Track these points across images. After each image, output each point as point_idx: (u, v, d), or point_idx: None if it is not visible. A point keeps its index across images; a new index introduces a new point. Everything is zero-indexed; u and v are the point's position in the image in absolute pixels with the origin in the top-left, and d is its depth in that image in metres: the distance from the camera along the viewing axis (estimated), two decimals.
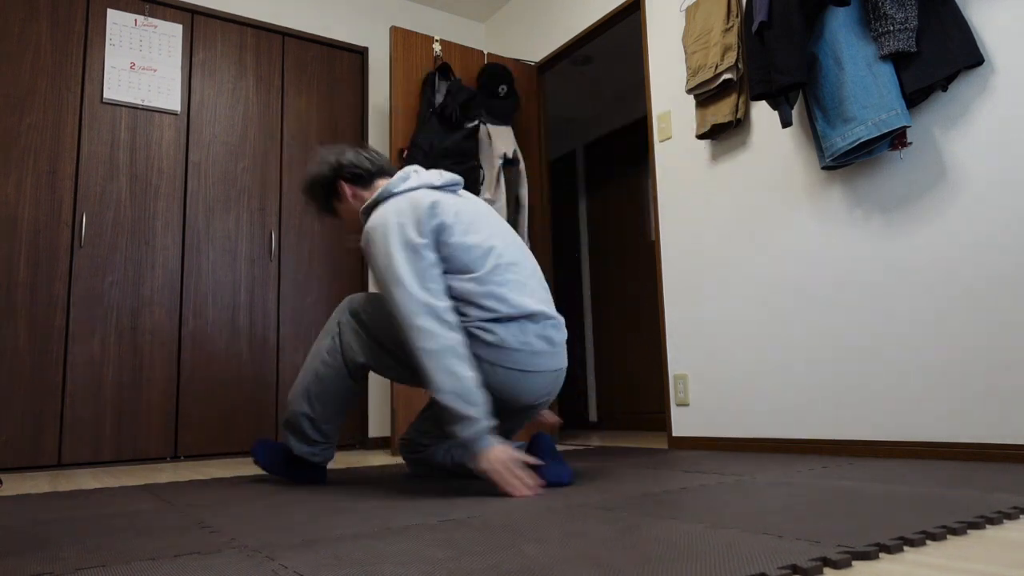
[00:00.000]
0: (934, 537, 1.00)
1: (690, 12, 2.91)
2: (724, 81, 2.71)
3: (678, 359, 2.96)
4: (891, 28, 2.10)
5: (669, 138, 3.09)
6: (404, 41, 3.46)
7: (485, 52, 3.75)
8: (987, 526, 1.09)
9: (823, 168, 2.34)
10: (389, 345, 1.89)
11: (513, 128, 3.74)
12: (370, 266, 1.77)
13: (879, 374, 2.26)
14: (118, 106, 3.25)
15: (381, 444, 3.67)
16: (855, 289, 2.34)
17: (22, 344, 2.91)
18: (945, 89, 2.12)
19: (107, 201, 3.17)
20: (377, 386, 3.73)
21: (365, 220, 1.91)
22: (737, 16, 2.71)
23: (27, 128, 3.04)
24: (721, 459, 2.28)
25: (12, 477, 2.61)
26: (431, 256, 1.71)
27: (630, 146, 5.14)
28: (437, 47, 3.55)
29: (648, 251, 4.85)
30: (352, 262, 3.78)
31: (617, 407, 4.97)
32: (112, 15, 3.29)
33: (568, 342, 5.41)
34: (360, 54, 3.99)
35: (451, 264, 1.74)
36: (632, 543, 1.00)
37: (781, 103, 2.41)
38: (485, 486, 1.72)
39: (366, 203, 1.90)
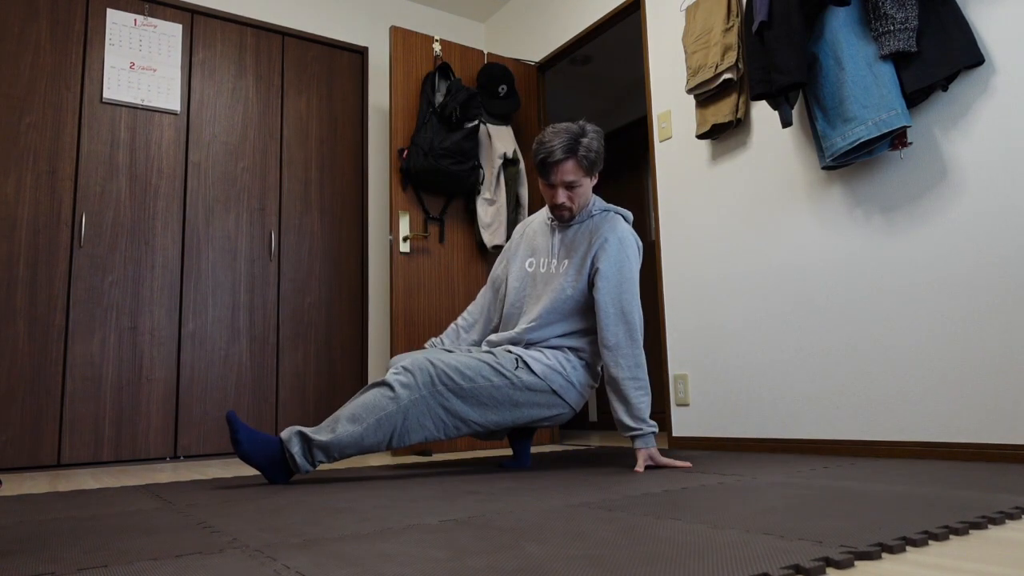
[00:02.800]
0: (936, 537, 1.00)
1: (690, 12, 2.91)
2: (724, 81, 2.71)
3: (678, 359, 2.96)
4: (891, 28, 2.10)
5: (669, 138, 3.09)
6: (404, 41, 3.46)
7: (485, 52, 3.75)
8: (989, 526, 1.09)
9: (823, 168, 2.34)
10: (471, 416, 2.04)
11: (513, 128, 3.74)
12: (616, 265, 2.08)
13: (879, 374, 2.26)
14: (118, 106, 3.25)
15: None
16: (855, 289, 2.34)
17: (22, 344, 2.91)
18: (945, 89, 2.12)
19: (107, 201, 3.16)
20: None
21: (589, 215, 2.20)
22: (737, 16, 2.71)
23: (27, 128, 3.04)
24: (721, 459, 2.28)
25: (12, 477, 2.61)
26: None
27: (630, 146, 5.14)
28: (437, 47, 3.55)
29: (648, 251, 4.85)
30: (352, 262, 3.78)
31: None
32: (112, 15, 3.28)
33: None
34: (360, 54, 3.99)
35: None
36: (633, 543, 1.00)
37: (781, 103, 2.41)
38: (485, 486, 1.72)
39: (593, 201, 2.21)
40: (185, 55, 3.45)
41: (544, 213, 2.32)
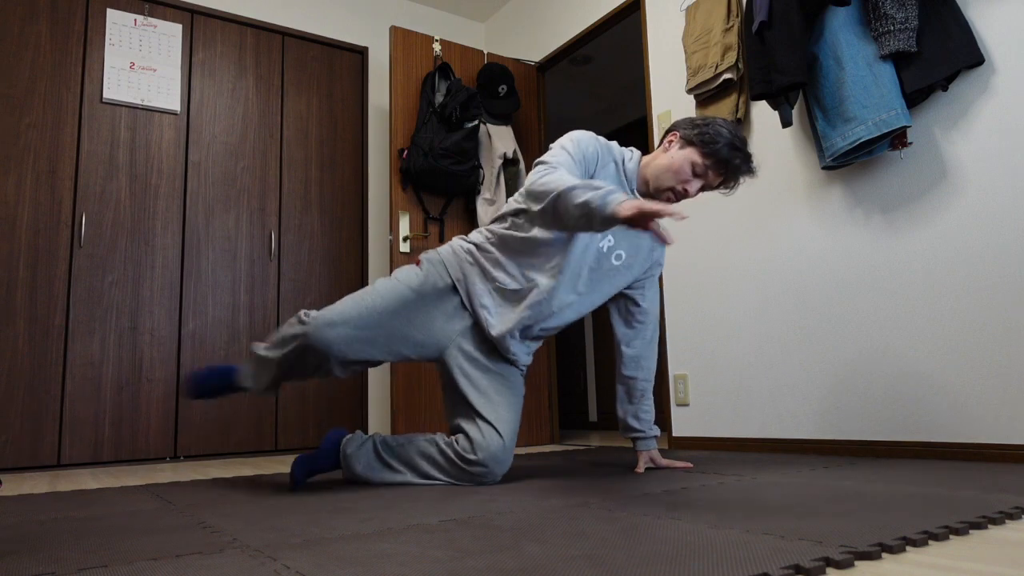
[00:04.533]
0: (936, 537, 1.00)
1: (690, 12, 2.91)
2: (724, 81, 2.71)
3: (678, 359, 2.96)
4: (891, 28, 2.10)
5: None
6: (404, 41, 3.46)
7: (485, 52, 3.75)
8: (989, 526, 1.09)
9: (823, 168, 2.34)
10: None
11: (513, 128, 3.74)
12: (657, 275, 2.11)
13: (879, 373, 2.26)
14: (118, 106, 3.25)
15: None
16: (855, 289, 2.34)
17: (22, 344, 2.91)
18: (945, 89, 2.12)
19: (107, 201, 3.16)
20: (377, 386, 3.73)
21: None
22: (737, 16, 2.71)
23: (26, 128, 3.04)
24: (721, 459, 2.28)
25: (12, 477, 2.61)
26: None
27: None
28: (437, 47, 3.55)
29: None
30: (352, 262, 3.78)
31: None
32: (112, 15, 3.28)
33: (568, 342, 5.42)
34: (360, 54, 3.99)
35: None
36: (633, 543, 1.00)
37: (781, 103, 2.41)
38: (485, 486, 1.72)
39: None
40: (185, 55, 3.45)
41: (627, 174, 1.95)
